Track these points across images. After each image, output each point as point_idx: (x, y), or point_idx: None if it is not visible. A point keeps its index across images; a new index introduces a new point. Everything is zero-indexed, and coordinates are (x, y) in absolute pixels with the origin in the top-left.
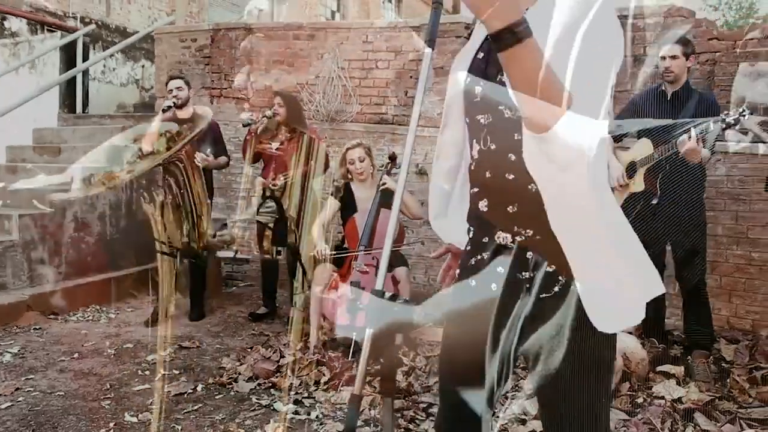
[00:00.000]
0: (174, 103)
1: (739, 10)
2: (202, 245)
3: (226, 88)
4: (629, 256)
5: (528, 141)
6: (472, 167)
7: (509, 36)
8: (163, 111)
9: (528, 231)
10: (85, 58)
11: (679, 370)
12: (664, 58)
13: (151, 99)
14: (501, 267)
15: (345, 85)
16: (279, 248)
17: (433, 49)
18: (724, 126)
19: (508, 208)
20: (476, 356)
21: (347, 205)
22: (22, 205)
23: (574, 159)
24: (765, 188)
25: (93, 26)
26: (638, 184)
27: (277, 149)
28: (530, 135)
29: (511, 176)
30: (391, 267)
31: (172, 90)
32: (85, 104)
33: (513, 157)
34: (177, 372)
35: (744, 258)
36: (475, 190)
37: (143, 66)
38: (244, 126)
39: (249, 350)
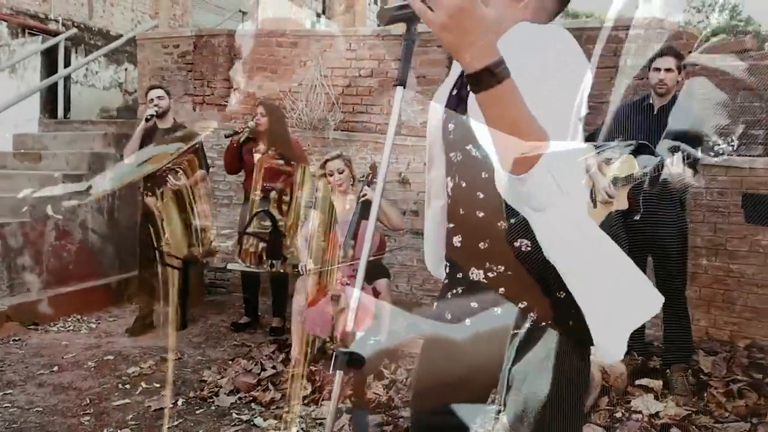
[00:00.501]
0: (156, 111)
1: (722, 12)
2: (205, 256)
3: (208, 95)
4: (623, 277)
5: (503, 181)
6: (449, 203)
7: (488, 77)
8: (146, 120)
9: (499, 267)
10: (67, 61)
11: (657, 383)
12: (658, 69)
13: (134, 103)
14: (475, 302)
15: (328, 93)
16: (273, 261)
17: (404, 87)
18: (712, 153)
19: (480, 245)
20: (451, 387)
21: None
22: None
23: (553, 200)
24: (741, 204)
25: (75, 30)
26: (621, 203)
27: (259, 159)
28: (506, 176)
29: (481, 214)
30: (371, 278)
31: (152, 99)
32: (67, 109)
33: (481, 195)
34: (158, 386)
35: (722, 269)
36: (451, 225)
37: (126, 69)
38: (226, 137)
39: (230, 362)
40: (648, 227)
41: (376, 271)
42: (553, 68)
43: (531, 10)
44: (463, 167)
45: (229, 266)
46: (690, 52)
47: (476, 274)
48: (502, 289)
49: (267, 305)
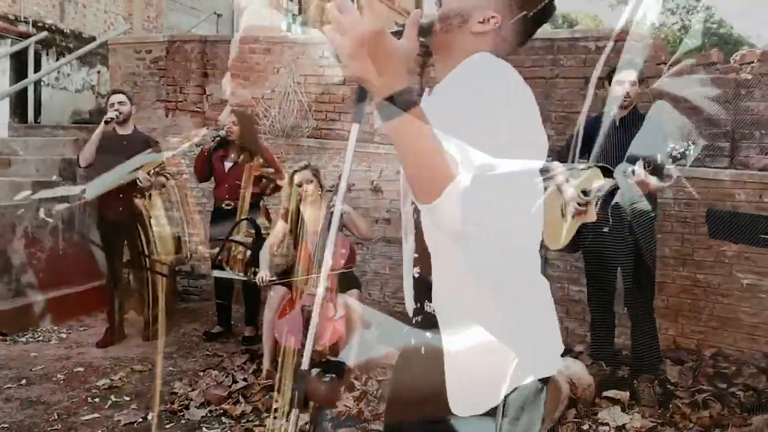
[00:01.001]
0: (116, 116)
1: (695, 14)
2: (190, 262)
3: (181, 101)
4: (519, 332)
5: (421, 210)
6: (416, 233)
7: (394, 106)
8: (105, 123)
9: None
10: (37, 63)
11: (624, 395)
12: (622, 83)
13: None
14: (429, 333)
15: (301, 100)
16: (256, 269)
17: (360, 124)
18: (671, 159)
19: (430, 278)
20: (424, 399)
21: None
22: None
23: (465, 231)
24: (706, 220)
25: (45, 33)
26: (590, 215)
27: (230, 169)
28: (420, 205)
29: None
30: (343, 289)
31: (113, 104)
32: (38, 113)
33: None
34: (128, 399)
35: (690, 279)
36: (416, 256)
37: (99, 72)
38: (197, 146)
39: (201, 373)
40: (617, 237)
41: (347, 282)
42: (491, 100)
43: (491, 41)
44: None
45: (214, 273)
46: (658, 64)
47: (430, 307)
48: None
49: (240, 313)
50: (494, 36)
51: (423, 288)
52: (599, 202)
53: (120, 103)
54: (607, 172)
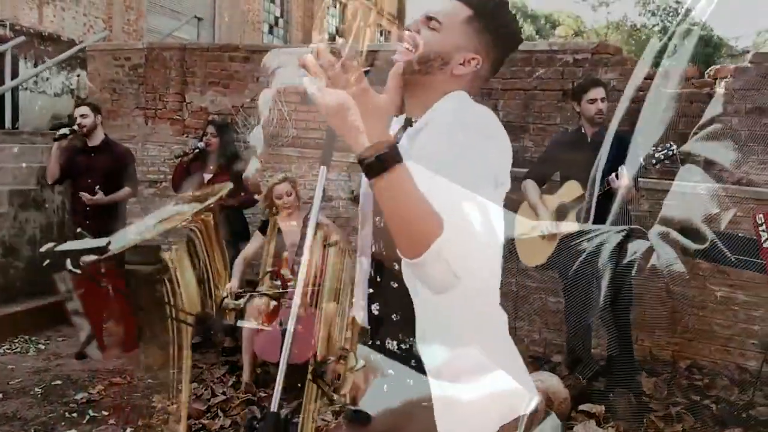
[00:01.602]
0: (73, 130)
1: (675, 16)
2: (217, 313)
3: (160, 109)
4: (498, 375)
5: (403, 263)
6: (372, 268)
7: (378, 164)
8: (55, 139)
9: (411, 339)
10: (14, 67)
11: (599, 408)
12: (593, 101)
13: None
14: (391, 370)
15: (281, 109)
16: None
17: (327, 168)
18: (654, 162)
19: (392, 316)
20: None
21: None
22: None
23: (447, 285)
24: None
25: (22, 38)
26: (572, 225)
27: (209, 180)
28: (404, 259)
29: (395, 284)
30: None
31: (76, 117)
32: (15, 118)
33: (397, 267)
34: (105, 413)
35: (666, 291)
36: (371, 291)
37: (78, 75)
38: (175, 158)
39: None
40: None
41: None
42: (472, 147)
43: (469, 81)
44: (384, 234)
45: (241, 324)
46: None
47: (391, 344)
48: (413, 362)
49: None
50: (472, 76)
51: (383, 326)
52: (636, 266)
53: (82, 116)
54: (642, 234)
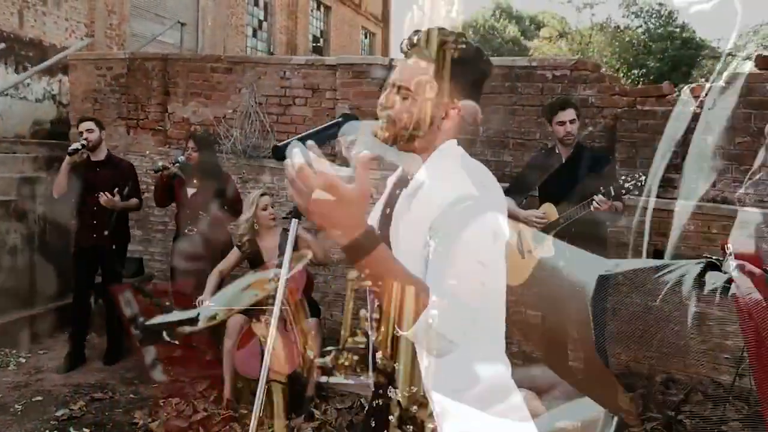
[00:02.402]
0: (83, 145)
1: (659, 18)
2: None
3: (142, 119)
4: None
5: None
6: (377, 316)
7: (357, 250)
8: (69, 154)
9: (413, 388)
10: None
11: (576, 425)
12: (563, 123)
13: (69, 115)
14: (392, 416)
15: (262, 120)
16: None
17: (299, 220)
18: (624, 192)
19: (396, 365)
20: None
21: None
22: None
23: (444, 351)
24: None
25: (2, 45)
26: (548, 249)
27: (192, 195)
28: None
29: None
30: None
31: (82, 132)
32: None
33: None
34: (87, 431)
35: (642, 306)
36: (379, 339)
37: (60, 81)
38: (155, 172)
39: (162, 402)
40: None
41: (305, 310)
42: (467, 208)
43: (456, 126)
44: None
45: (331, 380)
46: (612, 95)
47: (394, 393)
48: (414, 408)
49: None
50: (458, 120)
51: (386, 375)
52: (716, 295)
53: (88, 131)
54: (715, 267)
